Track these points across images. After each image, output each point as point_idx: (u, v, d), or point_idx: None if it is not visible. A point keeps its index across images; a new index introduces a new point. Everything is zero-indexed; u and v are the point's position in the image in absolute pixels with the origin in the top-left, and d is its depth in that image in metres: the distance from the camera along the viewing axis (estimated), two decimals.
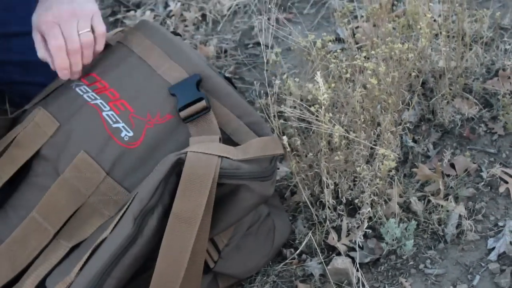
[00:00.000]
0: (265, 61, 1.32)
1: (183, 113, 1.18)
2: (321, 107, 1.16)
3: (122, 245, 1.06)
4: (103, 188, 1.17)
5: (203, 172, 1.08)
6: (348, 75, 1.21)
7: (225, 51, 1.81)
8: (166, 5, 2.01)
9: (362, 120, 1.25)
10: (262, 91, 1.68)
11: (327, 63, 1.29)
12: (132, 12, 1.99)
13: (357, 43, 1.65)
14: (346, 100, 1.27)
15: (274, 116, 1.23)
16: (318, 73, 1.12)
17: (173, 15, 1.95)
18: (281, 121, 1.24)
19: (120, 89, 1.24)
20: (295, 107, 1.31)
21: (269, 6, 1.37)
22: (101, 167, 1.18)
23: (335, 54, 1.28)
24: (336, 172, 1.27)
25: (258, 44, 1.83)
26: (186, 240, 1.07)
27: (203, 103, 1.17)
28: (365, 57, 1.25)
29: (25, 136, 1.23)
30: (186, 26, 1.91)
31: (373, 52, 1.24)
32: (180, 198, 1.07)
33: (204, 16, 1.94)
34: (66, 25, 1.23)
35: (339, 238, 1.34)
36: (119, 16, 2.01)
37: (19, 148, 1.23)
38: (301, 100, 1.38)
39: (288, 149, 1.23)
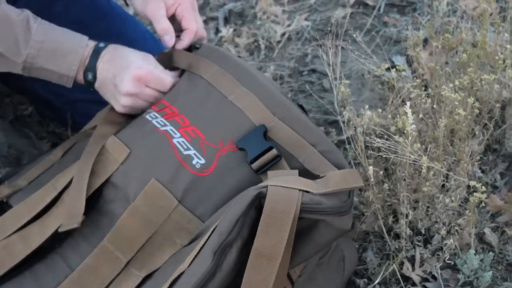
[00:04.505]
0: (333, 90, 1.31)
1: (254, 165, 1.15)
2: (408, 138, 1.16)
3: (202, 279, 1.03)
4: (175, 216, 1.15)
5: (285, 208, 1.05)
6: (435, 106, 1.21)
7: (281, 78, 1.81)
8: (217, 31, 2.00)
9: (442, 150, 1.25)
10: (322, 120, 1.68)
11: (405, 93, 1.29)
12: None
13: (414, 72, 1.65)
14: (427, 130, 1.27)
15: (361, 147, 1.22)
16: (408, 103, 1.11)
17: (225, 41, 1.94)
18: (372, 152, 1.24)
19: (190, 115, 1.23)
20: (368, 135, 1.31)
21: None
22: (173, 195, 1.15)
23: (414, 84, 1.28)
24: (419, 202, 1.26)
25: (313, 71, 1.83)
26: (268, 276, 1.04)
27: (274, 152, 1.15)
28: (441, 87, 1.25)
29: (97, 163, 1.21)
30: (238, 52, 1.90)
31: (456, 83, 1.24)
32: (262, 234, 1.04)
33: (256, 42, 1.93)
34: None
35: (413, 269, 1.33)
36: None
37: (91, 176, 1.20)
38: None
39: (372, 180, 1.22)
